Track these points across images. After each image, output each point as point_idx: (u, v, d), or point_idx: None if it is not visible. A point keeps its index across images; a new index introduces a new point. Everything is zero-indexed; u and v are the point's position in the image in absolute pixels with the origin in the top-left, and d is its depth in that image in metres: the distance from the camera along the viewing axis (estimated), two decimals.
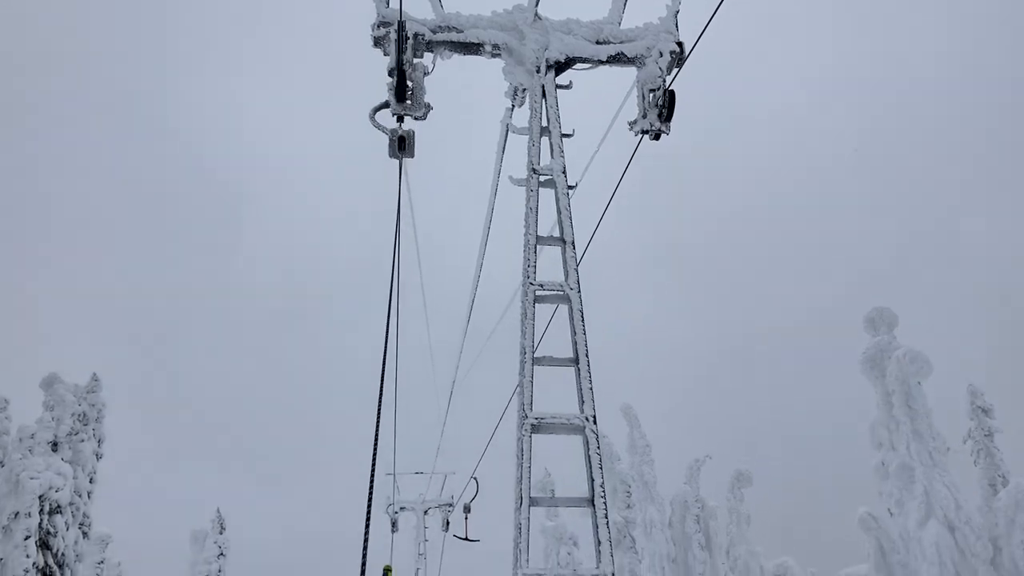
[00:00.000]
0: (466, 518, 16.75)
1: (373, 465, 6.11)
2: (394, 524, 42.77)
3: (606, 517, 6.44)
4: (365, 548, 5.28)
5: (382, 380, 6.75)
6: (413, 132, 8.12)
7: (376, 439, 6.43)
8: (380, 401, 6.66)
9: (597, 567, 5.97)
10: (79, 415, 36.72)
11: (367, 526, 5.59)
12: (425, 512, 43.65)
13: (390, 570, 25.68)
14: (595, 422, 7.48)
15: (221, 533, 60.40)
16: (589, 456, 7.11)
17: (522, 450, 7.18)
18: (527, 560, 5.95)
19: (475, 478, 16.28)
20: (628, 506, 35.10)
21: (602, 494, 6.81)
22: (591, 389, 7.67)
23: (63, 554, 33.96)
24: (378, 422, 6.49)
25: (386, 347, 7.16)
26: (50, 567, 32.68)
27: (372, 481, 5.98)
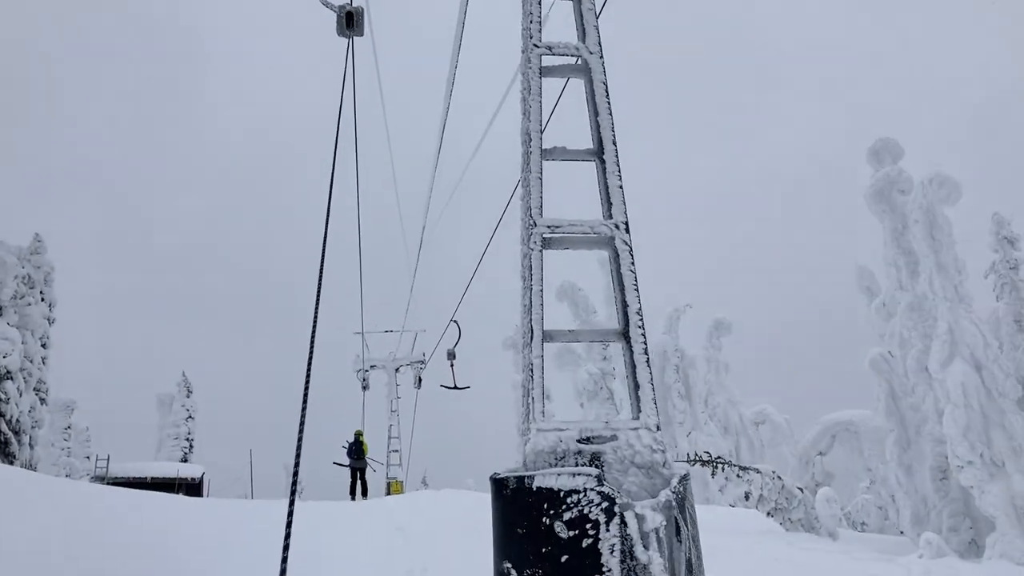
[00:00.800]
0: (451, 365, 14.97)
1: (314, 326, 5.34)
2: (365, 383, 41.83)
3: (645, 353, 4.49)
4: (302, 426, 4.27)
5: (326, 225, 6.12)
6: (362, 9, 7.50)
7: (319, 291, 5.63)
8: (324, 247, 6.06)
9: (636, 417, 4.10)
10: (23, 278, 34.33)
11: (305, 399, 4.57)
12: (396, 370, 42.69)
13: (361, 434, 25.37)
14: (628, 230, 5.37)
15: (188, 396, 59.45)
16: (621, 275, 5.10)
17: (530, 270, 5.09)
18: (542, 412, 4.06)
19: (455, 321, 14.46)
20: (604, 358, 34.18)
21: (640, 323, 4.85)
22: (620, 187, 5.53)
23: (18, 420, 32.49)
24: (320, 275, 5.74)
25: (331, 190, 6.41)
26: (3, 433, 31.31)
27: (312, 343, 5.27)
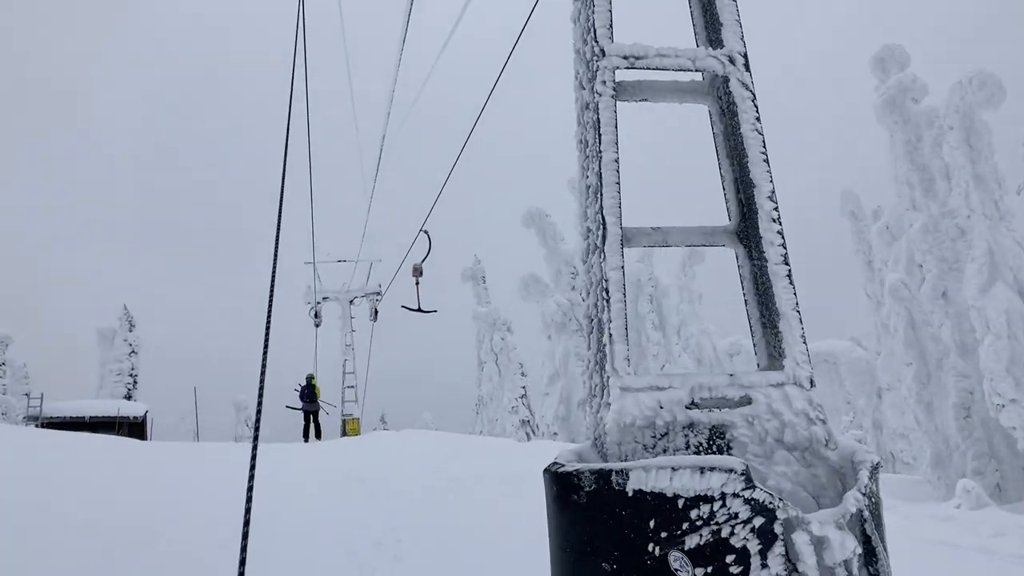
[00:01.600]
0: (417, 283, 12.59)
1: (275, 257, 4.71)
2: (317, 316, 39.50)
3: (786, 263, 2.27)
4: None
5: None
6: None
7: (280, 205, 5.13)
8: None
9: (777, 366, 2.01)
10: None
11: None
12: (351, 302, 40.43)
13: (313, 378, 25.00)
14: (748, 66, 2.98)
15: (131, 330, 56.50)
16: (740, 137, 2.79)
17: (597, 128, 2.69)
18: (627, 359, 1.88)
19: (426, 231, 12.18)
20: (573, 287, 32.35)
21: (775, 214, 2.62)
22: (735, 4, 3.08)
23: None
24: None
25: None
26: None
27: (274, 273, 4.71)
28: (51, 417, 38.29)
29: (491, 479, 11.06)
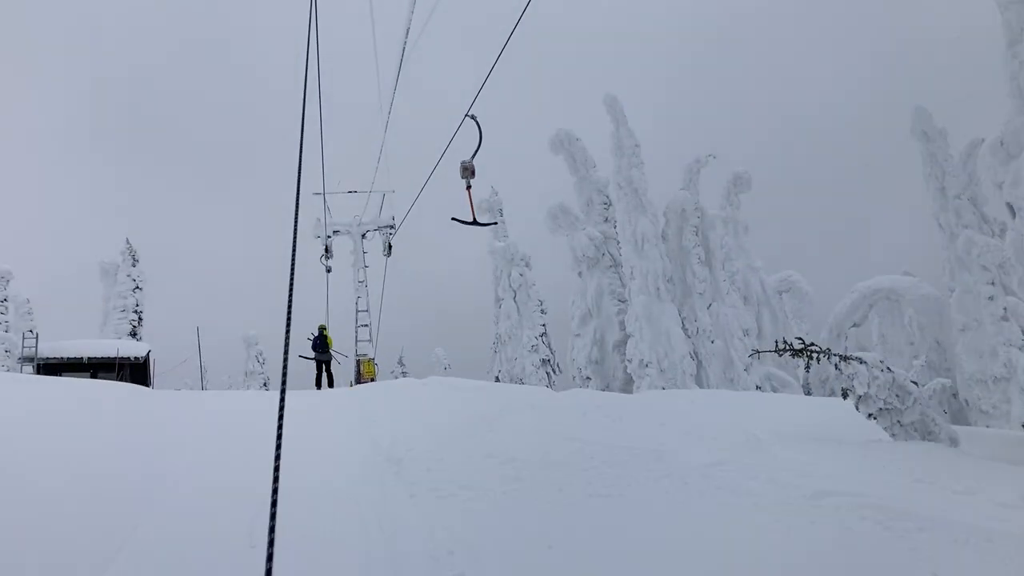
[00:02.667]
0: (468, 188, 9.36)
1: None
2: (327, 251, 36.84)
3: None
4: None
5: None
6: None
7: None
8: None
9: None
10: None
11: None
12: (363, 236, 37.70)
13: (325, 328, 25.27)
14: None
15: (134, 265, 54.03)
16: None
17: None
18: None
19: (473, 116, 9.23)
20: (605, 219, 29.53)
21: None
22: None
23: None
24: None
25: None
26: None
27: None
28: (48, 358, 35.99)
29: (598, 459, 8.52)
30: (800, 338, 13.11)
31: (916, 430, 13.65)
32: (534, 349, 46.31)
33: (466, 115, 9.08)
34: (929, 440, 13.54)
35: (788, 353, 13.05)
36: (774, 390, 25.83)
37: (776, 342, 13.09)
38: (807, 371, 13.31)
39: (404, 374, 47.37)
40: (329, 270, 35.37)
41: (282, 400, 3.81)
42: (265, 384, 59.52)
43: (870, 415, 13.51)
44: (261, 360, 59.37)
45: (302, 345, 25.16)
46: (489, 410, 12.93)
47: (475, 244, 44.66)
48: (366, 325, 37.00)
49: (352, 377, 36.37)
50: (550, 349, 46.99)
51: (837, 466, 9.41)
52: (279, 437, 3.64)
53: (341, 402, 15.30)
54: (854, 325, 27.10)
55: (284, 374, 4.22)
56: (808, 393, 26.70)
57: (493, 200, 51.23)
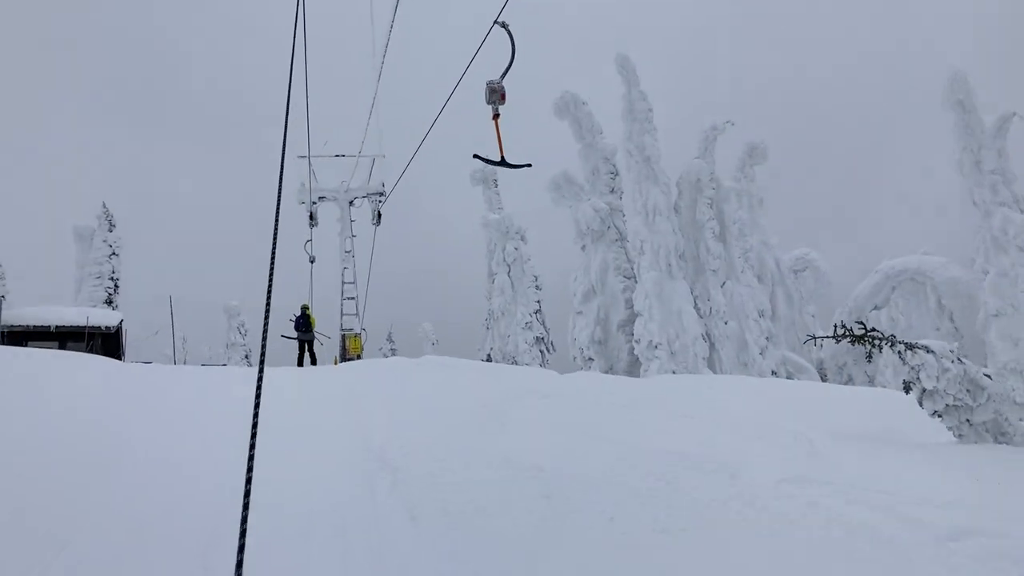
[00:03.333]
0: (496, 119, 6.99)
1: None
2: (312, 218, 34.78)
3: None
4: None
5: None
6: None
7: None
8: None
9: None
10: None
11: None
12: (351, 203, 35.64)
13: (308, 308, 24.94)
14: None
15: (110, 230, 51.66)
16: None
17: None
18: None
19: (503, 23, 7.17)
20: (612, 190, 27.59)
21: None
22: None
23: None
24: None
25: None
26: None
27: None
28: (12, 326, 33.78)
29: (634, 475, 6.69)
30: (861, 322, 11.32)
31: (988, 431, 11.93)
32: (528, 326, 44.48)
33: (495, 22, 7.10)
34: (1002, 442, 11.84)
35: (848, 340, 11.27)
36: (789, 375, 24.15)
37: (835, 327, 11.36)
38: (868, 360, 11.56)
39: (393, 351, 45.45)
40: (312, 260, 33.32)
41: (256, 409, 3.30)
42: (247, 356, 57.48)
43: (935, 412, 11.77)
44: (243, 331, 57.47)
45: (283, 321, 25.06)
46: (493, 397, 11.09)
47: (471, 214, 42.67)
48: (352, 298, 35.01)
49: (337, 352, 34.46)
50: (544, 327, 45.18)
51: (935, 483, 7.56)
52: (252, 446, 3.12)
53: (325, 385, 13.41)
54: (875, 308, 25.41)
55: (260, 372, 3.60)
56: (824, 379, 25.02)
57: (487, 170, 49.20)
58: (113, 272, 49.86)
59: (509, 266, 45.65)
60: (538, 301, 45.44)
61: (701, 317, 23.14)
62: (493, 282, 46.46)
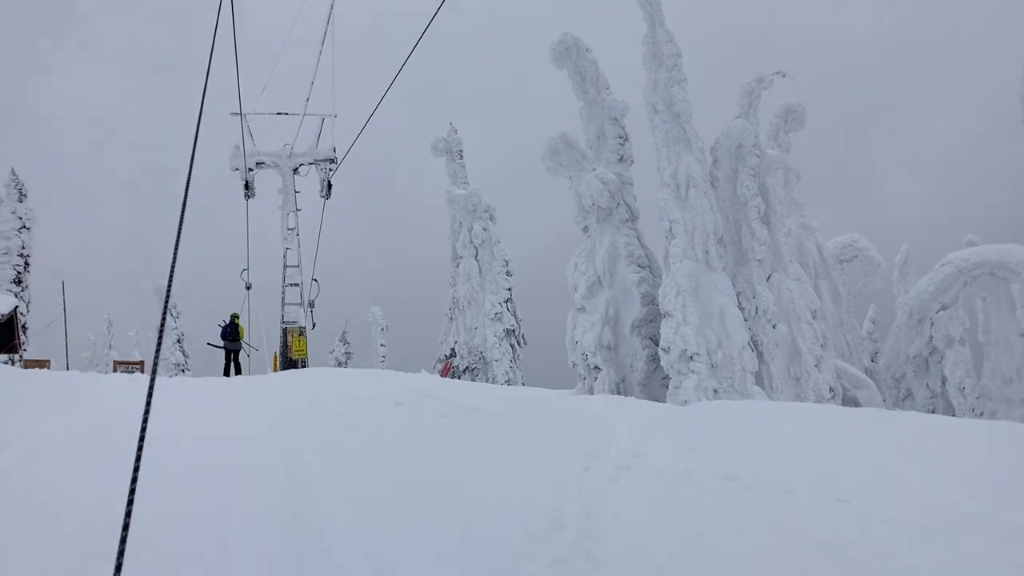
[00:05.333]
0: None
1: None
2: (248, 187, 28.92)
3: None
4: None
5: None
6: None
7: None
8: None
9: None
10: None
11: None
12: (295, 170, 29.85)
13: (238, 317, 23.71)
14: None
15: (21, 200, 45.50)
16: None
17: None
18: None
19: None
20: (621, 158, 22.39)
21: None
22: None
23: None
24: None
25: None
26: None
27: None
28: None
29: None
30: None
31: None
32: (497, 317, 39.17)
33: None
34: None
35: None
36: (845, 391, 19.43)
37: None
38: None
39: (348, 356, 39.49)
40: (249, 287, 28.21)
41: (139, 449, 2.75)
42: (179, 340, 51.75)
43: None
44: (175, 314, 51.71)
45: (213, 319, 23.68)
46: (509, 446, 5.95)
47: (435, 188, 37.32)
48: (296, 285, 29.35)
49: (276, 351, 28.77)
50: (515, 317, 39.97)
51: None
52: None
53: (250, 416, 8.18)
54: (942, 308, 20.83)
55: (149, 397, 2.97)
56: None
57: (452, 139, 43.66)
58: (23, 248, 43.76)
59: (476, 249, 40.22)
60: (508, 289, 40.20)
61: (746, 320, 18.15)
62: (458, 267, 41.00)
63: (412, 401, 10.20)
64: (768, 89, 20.25)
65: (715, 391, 17.12)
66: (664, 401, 19.88)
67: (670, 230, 18.47)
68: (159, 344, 2.93)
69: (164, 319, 2.84)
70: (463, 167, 43.62)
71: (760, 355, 18.20)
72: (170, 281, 3.27)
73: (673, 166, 18.68)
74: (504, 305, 39.40)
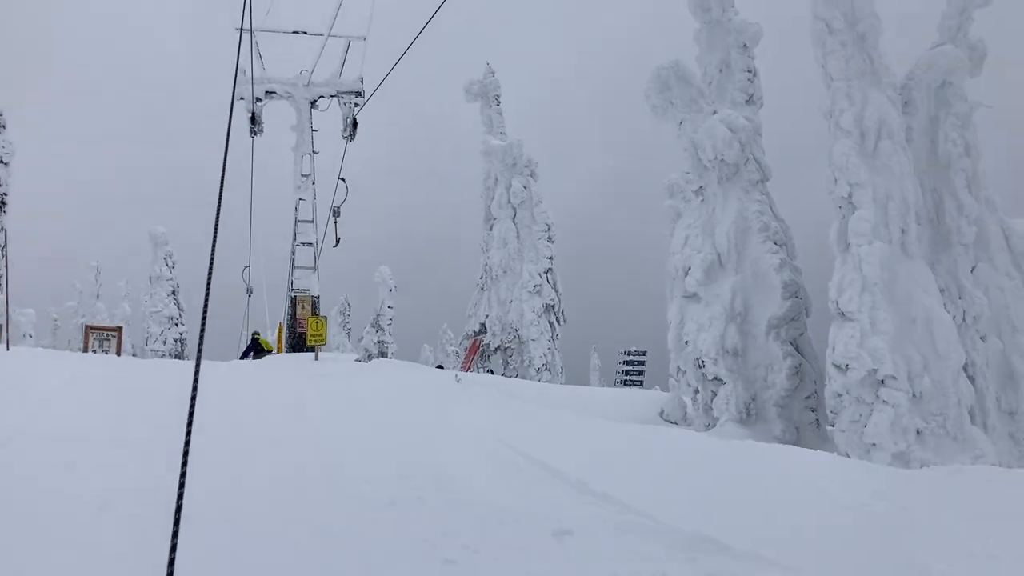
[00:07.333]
0: None
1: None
2: (255, 121, 23.36)
3: None
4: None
5: None
6: None
7: None
8: None
9: None
10: None
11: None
12: (313, 103, 24.24)
13: (259, 335, 21.38)
14: None
15: None
16: None
17: None
18: None
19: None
20: (749, 98, 16.90)
21: None
22: None
23: None
24: None
25: None
26: None
27: None
28: None
29: None
30: None
31: None
32: (536, 290, 33.88)
33: None
34: None
35: None
36: None
37: None
38: None
39: (381, 345, 33.96)
40: (250, 292, 24.05)
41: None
42: (174, 292, 46.58)
43: None
44: (171, 263, 46.63)
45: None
46: None
47: (464, 138, 31.79)
48: (309, 244, 24.01)
49: (283, 321, 23.65)
50: (556, 291, 34.69)
51: None
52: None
53: None
54: None
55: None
56: None
57: (488, 82, 38.09)
58: (0, 185, 38.32)
59: (515, 209, 34.80)
60: (550, 258, 34.89)
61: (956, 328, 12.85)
62: (492, 229, 35.64)
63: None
64: (986, 6, 14.72)
65: (918, 432, 11.89)
66: (805, 430, 14.67)
67: (848, 197, 13.04)
68: (199, 354, 2.69)
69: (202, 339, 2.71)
70: (500, 114, 38.09)
71: (972, 380, 12.95)
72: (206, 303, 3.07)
73: (857, 108, 13.20)
74: (544, 276, 34.17)
